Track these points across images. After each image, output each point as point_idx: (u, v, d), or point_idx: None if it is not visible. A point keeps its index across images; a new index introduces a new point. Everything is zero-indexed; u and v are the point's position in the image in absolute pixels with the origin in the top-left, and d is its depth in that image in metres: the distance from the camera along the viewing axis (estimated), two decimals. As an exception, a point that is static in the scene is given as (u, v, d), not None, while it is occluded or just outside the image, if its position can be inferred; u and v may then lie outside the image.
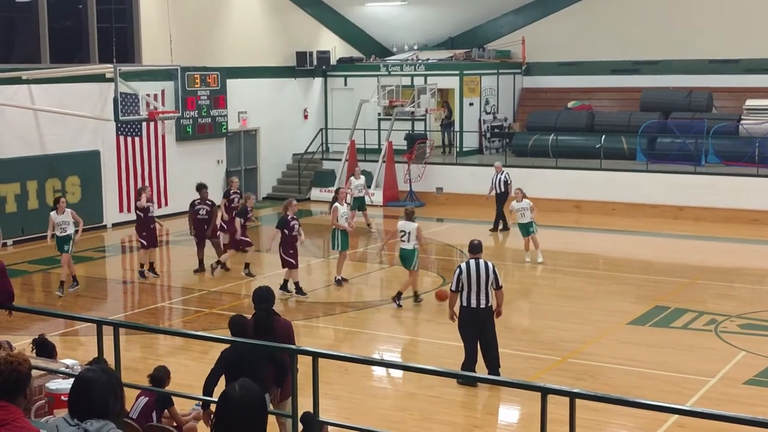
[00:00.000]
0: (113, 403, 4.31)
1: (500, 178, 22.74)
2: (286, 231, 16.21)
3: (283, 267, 16.52)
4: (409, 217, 15.89)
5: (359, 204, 23.09)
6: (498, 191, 22.72)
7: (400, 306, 15.56)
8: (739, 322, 14.65)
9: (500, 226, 22.85)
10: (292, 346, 7.85)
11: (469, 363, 11.58)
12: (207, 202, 18.75)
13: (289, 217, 16.25)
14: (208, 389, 8.26)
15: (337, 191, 18.40)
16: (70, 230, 16.83)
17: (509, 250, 21.38)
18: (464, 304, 11.60)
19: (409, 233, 15.76)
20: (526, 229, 19.23)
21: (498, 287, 11.67)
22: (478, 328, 11.62)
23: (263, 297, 8.80)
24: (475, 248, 11.84)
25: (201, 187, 18.85)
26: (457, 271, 11.59)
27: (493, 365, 11.60)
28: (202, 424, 8.87)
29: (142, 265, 18.10)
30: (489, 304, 11.62)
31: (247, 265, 18.17)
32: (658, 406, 6.14)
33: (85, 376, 4.37)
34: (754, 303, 16.12)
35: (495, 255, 19.16)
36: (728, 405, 10.70)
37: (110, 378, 4.37)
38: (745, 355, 12.87)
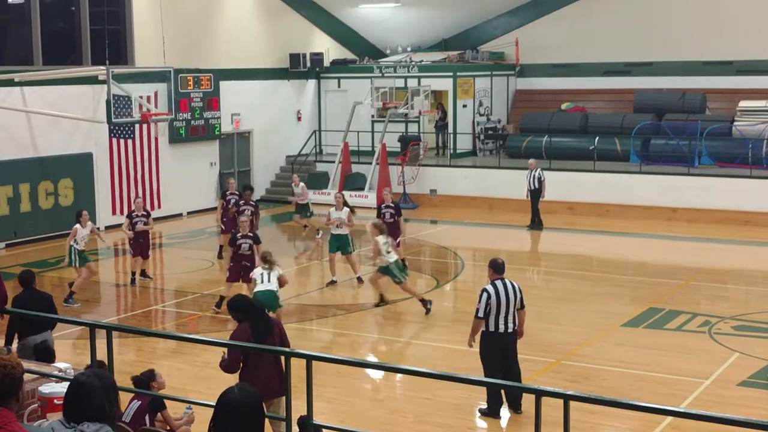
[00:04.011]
0: (108, 407, 4.30)
1: (534, 175, 22.87)
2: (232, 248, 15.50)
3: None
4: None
5: (301, 210, 22.81)
6: (532, 188, 22.87)
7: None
8: (733, 323, 14.66)
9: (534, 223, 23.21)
10: (287, 349, 7.89)
11: (495, 397, 10.83)
12: (251, 203, 19.18)
13: (239, 236, 15.46)
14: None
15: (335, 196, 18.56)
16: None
17: (537, 252, 21.51)
18: (491, 329, 10.65)
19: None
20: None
21: (522, 307, 10.85)
22: (503, 354, 10.80)
23: (249, 302, 9.08)
24: (500, 268, 10.85)
25: (247, 188, 19.59)
26: (485, 295, 10.56)
27: (516, 396, 10.82)
28: (195, 428, 8.84)
29: (133, 273, 18.07)
30: (515, 328, 10.77)
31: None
32: (653, 408, 6.14)
33: (79, 380, 4.36)
34: (747, 304, 16.15)
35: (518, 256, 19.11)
36: (722, 407, 10.71)
37: (104, 382, 4.36)
38: (738, 357, 12.88)
